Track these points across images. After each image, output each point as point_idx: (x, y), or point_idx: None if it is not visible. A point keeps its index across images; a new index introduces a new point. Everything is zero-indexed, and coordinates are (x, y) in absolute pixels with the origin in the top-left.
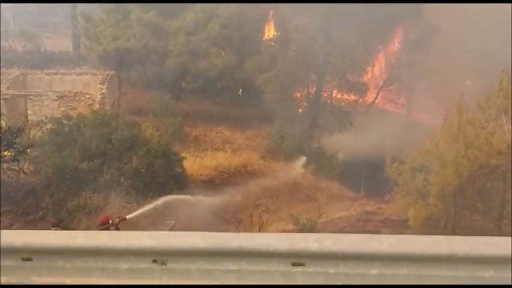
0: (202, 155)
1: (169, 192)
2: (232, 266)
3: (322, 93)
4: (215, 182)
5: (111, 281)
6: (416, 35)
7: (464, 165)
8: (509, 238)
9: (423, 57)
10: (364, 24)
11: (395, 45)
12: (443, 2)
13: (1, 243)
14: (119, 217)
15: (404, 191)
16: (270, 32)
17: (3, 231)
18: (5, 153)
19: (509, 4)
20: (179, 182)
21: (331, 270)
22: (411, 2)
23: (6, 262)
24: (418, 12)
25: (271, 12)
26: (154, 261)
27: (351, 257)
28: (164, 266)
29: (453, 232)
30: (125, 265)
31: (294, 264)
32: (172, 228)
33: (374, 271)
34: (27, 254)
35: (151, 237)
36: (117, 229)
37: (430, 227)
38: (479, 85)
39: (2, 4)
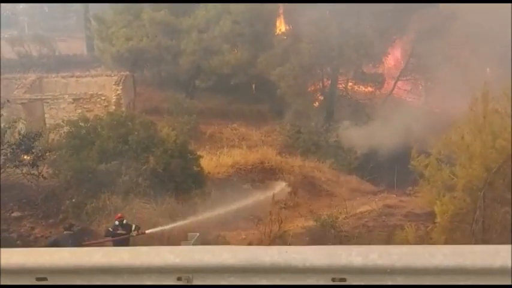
0: (218, 153)
1: (188, 191)
2: (265, 282)
3: (338, 86)
4: (233, 180)
5: None
6: (433, 23)
7: (492, 157)
8: None
9: (440, 45)
10: (378, 14)
11: (412, 34)
12: (443, 1)
13: (13, 263)
14: (137, 231)
15: (430, 184)
16: (281, 26)
17: (17, 250)
18: (25, 157)
19: (509, 4)
20: (196, 181)
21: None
22: (411, 2)
23: (22, 281)
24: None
25: (283, 6)
26: (179, 278)
27: (400, 272)
28: (190, 284)
29: (483, 226)
30: (148, 282)
31: (333, 280)
32: (196, 241)
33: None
34: (41, 274)
35: (175, 253)
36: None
37: (459, 221)
38: (500, 73)
39: (16, 10)
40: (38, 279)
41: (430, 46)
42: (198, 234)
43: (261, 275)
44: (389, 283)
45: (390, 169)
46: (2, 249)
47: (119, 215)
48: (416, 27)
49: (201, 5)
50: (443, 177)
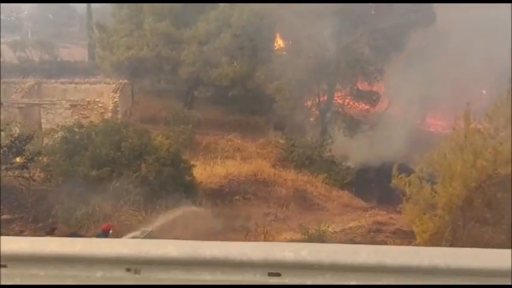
0: (212, 163)
1: (179, 200)
2: (207, 276)
3: (333, 102)
4: (224, 191)
5: None
6: (429, 42)
7: (472, 176)
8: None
9: (436, 65)
10: (375, 32)
11: (408, 52)
12: (443, 2)
13: None
14: None
15: (412, 202)
16: (279, 41)
17: None
18: (17, 159)
19: (509, 4)
20: (188, 190)
21: (309, 281)
22: (410, 2)
23: None
24: (431, 20)
25: (282, 21)
26: (128, 269)
27: (328, 268)
28: (138, 275)
29: (462, 245)
30: (99, 273)
31: (270, 275)
32: (148, 236)
33: (352, 282)
34: (1, 261)
35: (124, 244)
36: None
37: (438, 239)
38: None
39: (20, 15)
40: None
41: (426, 65)
42: (150, 229)
43: (203, 268)
44: (319, 279)
45: (382, 185)
46: None
47: (107, 224)
48: (412, 46)
49: (202, 17)
50: (425, 195)
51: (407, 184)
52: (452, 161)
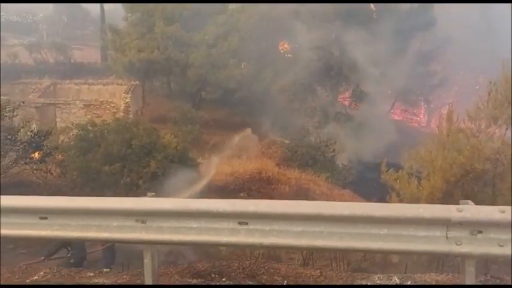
0: (217, 160)
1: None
2: (193, 224)
3: (337, 103)
4: (230, 188)
5: (105, 235)
6: (430, 45)
7: (452, 171)
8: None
9: (438, 67)
10: (378, 35)
11: (410, 55)
12: (443, 2)
13: (24, 205)
14: None
15: (400, 197)
16: (285, 44)
17: (26, 197)
18: (34, 154)
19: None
20: (194, 186)
21: (267, 228)
22: (410, 2)
23: (27, 220)
24: (432, 23)
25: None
26: (137, 220)
27: (282, 218)
28: (144, 224)
29: None
30: (115, 223)
31: (240, 223)
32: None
33: (299, 228)
34: (44, 214)
35: (132, 201)
36: None
37: None
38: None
39: (36, 17)
40: (40, 218)
41: (428, 68)
42: (154, 193)
43: (191, 217)
44: (274, 225)
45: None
46: None
47: None
48: (415, 49)
49: (211, 20)
50: (411, 189)
51: (397, 180)
52: (435, 157)
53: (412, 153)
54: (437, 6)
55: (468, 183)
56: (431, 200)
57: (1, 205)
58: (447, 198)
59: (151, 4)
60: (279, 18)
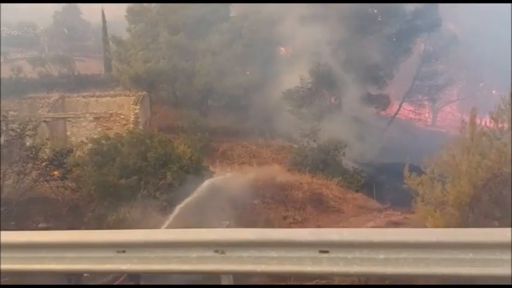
0: (230, 169)
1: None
2: (274, 253)
3: (345, 106)
4: (244, 195)
5: (185, 267)
6: (436, 46)
7: (478, 175)
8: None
9: (444, 67)
10: (383, 38)
11: (416, 57)
12: (443, 2)
13: (101, 238)
14: None
15: (424, 201)
16: (289, 49)
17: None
18: (54, 172)
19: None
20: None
21: (349, 256)
22: (409, 1)
23: (106, 254)
24: (437, 24)
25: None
26: (216, 251)
27: (365, 246)
28: (223, 255)
29: None
30: (194, 254)
31: (321, 252)
32: (227, 227)
33: (383, 256)
34: (121, 248)
35: (212, 232)
36: None
37: None
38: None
39: (37, 30)
40: (118, 251)
41: (435, 68)
42: (228, 222)
43: (271, 247)
44: (357, 253)
45: (395, 186)
46: None
47: None
48: (420, 51)
49: (215, 28)
50: (436, 194)
51: (419, 184)
52: (460, 161)
53: (435, 157)
54: (441, 6)
55: (496, 186)
56: (458, 204)
57: (80, 240)
58: (475, 202)
59: (154, 14)
60: (282, 23)
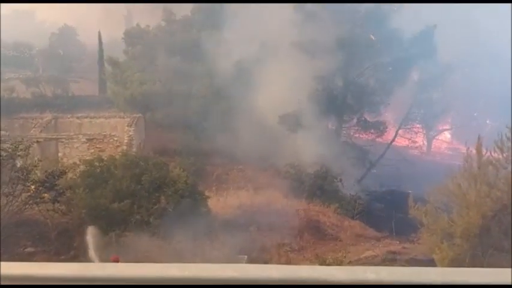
0: (225, 194)
1: (195, 232)
2: None
3: (342, 132)
4: (239, 221)
5: None
6: (432, 75)
7: (488, 205)
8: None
9: (439, 96)
10: (380, 65)
11: (412, 84)
12: (442, 2)
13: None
14: None
15: (430, 231)
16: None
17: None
18: (45, 195)
19: (509, 4)
20: (204, 221)
21: None
22: (409, 2)
23: None
24: (432, 52)
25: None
26: None
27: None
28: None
29: None
30: None
31: None
32: (246, 262)
33: None
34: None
35: (234, 268)
36: None
37: (457, 267)
38: (497, 125)
39: (32, 51)
40: None
41: (430, 96)
42: (246, 256)
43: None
44: None
45: (393, 215)
46: None
47: (115, 256)
48: (416, 78)
49: (212, 51)
50: (442, 224)
51: (424, 214)
52: (467, 191)
53: (439, 186)
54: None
55: (506, 217)
56: (467, 235)
57: (85, 275)
58: (484, 233)
59: (152, 37)
60: (280, 47)
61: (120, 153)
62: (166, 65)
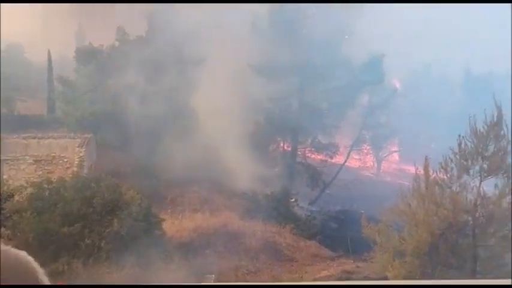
0: (180, 217)
1: (149, 256)
2: None
3: (297, 153)
4: (195, 244)
5: None
6: (380, 99)
7: (435, 224)
8: None
9: (387, 119)
10: (332, 90)
11: (362, 108)
12: (442, 2)
13: None
14: None
15: (382, 250)
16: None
17: None
18: None
19: (509, 4)
20: (159, 245)
21: None
22: (410, 2)
23: None
24: (380, 79)
25: (244, 79)
26: None
27: None
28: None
29: None
30: None
31: None
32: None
33: None
34: None
35: None
36: None
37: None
38: (444, 146)
39: None
40: None
41: (379, 120)
42: (213, 275)
43: None
44: None
45: (346, 235)
46: None
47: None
48: (365, 103)
49: (168, 69)
50: (394, 243)
51: (377, 233)
52: (416, 210)
53: (391, 206)
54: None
55: (452, 235)
56: (417, 253)
57: None
58: (433, 251)
59: (105, 56)
60: (239, 70)
61: (70, 175)
62: (119, 84)
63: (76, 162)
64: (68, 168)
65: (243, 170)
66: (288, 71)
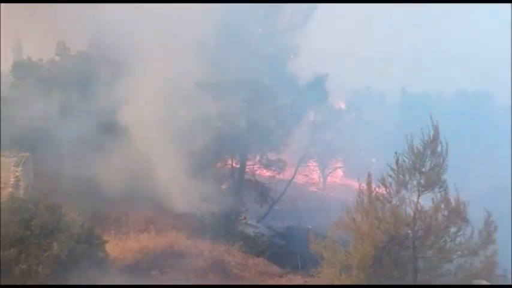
0: (124, 238)
1: (93, 279)
2: None
3: (246, 170)
4: (141, 266)
5: None
6: (324, 117)
7: (379, 237)
8: None
9: (331, 136)
10: (279, 107)
11: (308, 126)
12: (443, 2)
13: None
14: None
15: (329, 265)
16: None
17: None
18: None
19: (509, 4)
20: (102, 267)
21: None
22: (410, 2)
23: None
24: (324, 98)
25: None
26: None
27: None
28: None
29: None
30: None
31: None
32: None
33: None
34: None
35: None
36: None
37: None
38: (385, 163)
39: None
40: None
41: (324, 137)
42: None
43: None
44: None
45: (294, 251)
46: None
47: None
48: (311, 120)
49: (109, 88)
50: (340, 257)
51: (324, 248)
52: (361, 224)
53: (337, 221)
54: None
55: (393, 247)
56: (362, 266)
57: None
58: (377, 264)
59: (45, 71)
60: (183, 88)
61: (5, 196)
62: (58, 101)
63: (12, 182)
64: (3, 188)
65: (190, 188)
66: (235, 89)
